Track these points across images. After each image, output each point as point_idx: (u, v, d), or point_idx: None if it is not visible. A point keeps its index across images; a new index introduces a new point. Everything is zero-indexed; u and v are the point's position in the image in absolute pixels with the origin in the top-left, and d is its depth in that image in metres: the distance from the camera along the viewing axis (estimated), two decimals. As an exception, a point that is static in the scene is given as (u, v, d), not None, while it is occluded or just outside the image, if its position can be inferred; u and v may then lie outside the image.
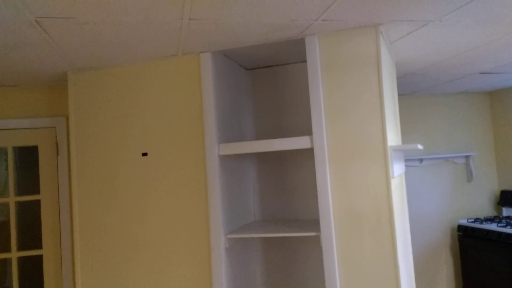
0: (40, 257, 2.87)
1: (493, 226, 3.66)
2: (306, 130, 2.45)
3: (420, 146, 2.01)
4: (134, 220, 2.12)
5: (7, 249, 2.86)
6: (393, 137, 2.13)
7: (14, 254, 2.80)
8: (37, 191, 2.88)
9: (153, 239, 2.09)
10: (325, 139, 1.91)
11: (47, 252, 2.84)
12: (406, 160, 4.24)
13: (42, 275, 2.83)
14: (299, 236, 2.35)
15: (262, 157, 2.47)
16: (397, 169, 2.07)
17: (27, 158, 3.19)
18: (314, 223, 2.15)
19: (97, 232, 2.18)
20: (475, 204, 4.30)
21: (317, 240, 2.33)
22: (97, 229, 2.19)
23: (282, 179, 2.42)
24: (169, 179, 2.10)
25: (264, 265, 2.41)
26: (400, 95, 4.26)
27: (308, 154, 2.44)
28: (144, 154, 2.18)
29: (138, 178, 2.15)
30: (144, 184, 2.14)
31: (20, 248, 2.85)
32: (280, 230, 2.00)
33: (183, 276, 2.02)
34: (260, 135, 2.51)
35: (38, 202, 2.89)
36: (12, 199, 2.82)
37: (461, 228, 4.00)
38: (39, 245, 2.86)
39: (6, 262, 2.89)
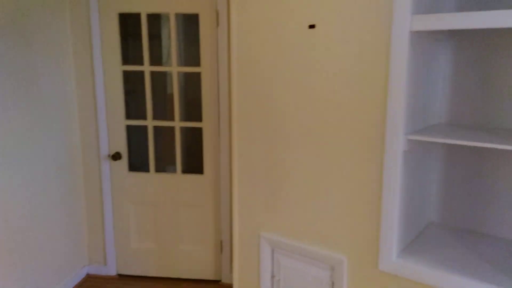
0: (200, 130, 2.91)
1: None
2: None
3: None
4: (296, 103, 1.83)
5: (172, 118, 2.95)
6: None
7: (177, 124, 2.89)
8: (198, 63, 2.80)
9: (318, 127, 1.79)
10: None
11: (206, 125, 2.85)
12: None
13: (202, 145, 2.89)
14: (499, 150, 1.79)
15: (462, 41, 1.84)
16: None
17: (189, 28, 3.09)
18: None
19: (254, 109, 1.98)
20: None
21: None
22: (255, 107, 1.98)
23: (488, 72, 1.79)
24: (340, 57, 1.70)
25: (444, 178, 1.95)
26: None
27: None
28: (311, 26, 1.78)
29: (302, 55, 1.79)
30: (309, 63, 1.78)
31: (183, 118, 2.91)
32: (477, 138, 1.48)
33: (350, 174, 1.73)
34: (466, 5, 1.83)
35: (198, 75, 2.83)
36: (175, 69, 2.81)
37: None
38: (199, 118, 2.88)
39: (170, 130, 3.03)
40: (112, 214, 3.03)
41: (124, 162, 2.96)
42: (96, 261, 3.13)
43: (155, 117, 2.97)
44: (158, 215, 3.02)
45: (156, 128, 2.97)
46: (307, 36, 1.79)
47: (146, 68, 2.82)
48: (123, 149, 2.94)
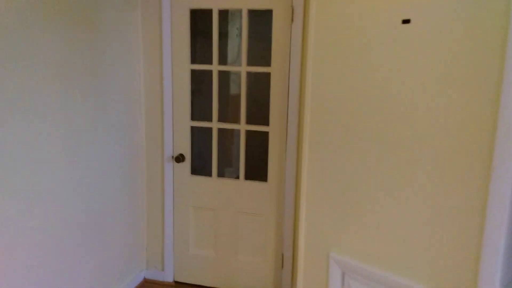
0: (265, 134, 2.72)
1: None
2: None
3: None
4: (383, 109, 1.58)
5: (238, 121, 2.79)
6: None
7: (242, 127, 2.72)
8: (267, 63, 2.62)
9: (407, 138, 1.52)
10: None
11: (273, 129, 2.66)
12: None
13: (267, 151, 2.70)
14: None
15: None
16: None
17: (259, 25, 2.93)
18: None
19: (330, 115, 1.75)
20: None
21: None
22: (331, 112, 1.74)
23: None
24: (436, 55, 1.42)
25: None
26: None
27: None
28: (405, 22, 1.52)
29: (392, 54, 1.54)
30: (400, 63, 1.52)
31: (249, 121, 2.74)
32: None
33: (442, 194, 1.44)
34: None
35: (267, 76, 2.65)
36: (244, 69, 2.66)
37: None
38: (265, 122, 2.69)
39: (234, 133, 2.87)
40: (172, 218, 2.93)
41: (187, 164, 2.85)
42: (154, 266, 3.05)
43: (220, 119, 2.83)
44: (218, 221, 2.87)
45: (219, 131, 2.83)
46: (399, 32, 1.53)
47: (215, 67, 2.70)
48: (186, 151, 2.84)
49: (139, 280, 3.00)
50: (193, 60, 2.78)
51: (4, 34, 1.78)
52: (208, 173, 2.83)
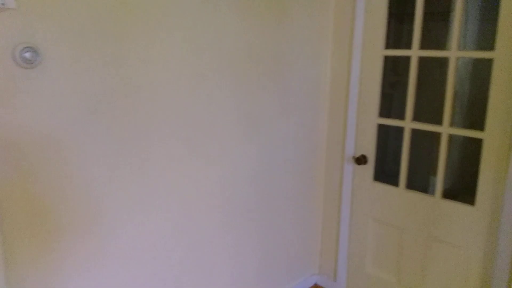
0: (478, 142, 2.04)
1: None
2: None
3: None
4: None
5: (439, 122, 2.19)
6: None
7: (445, 129, 2.11)
8: (489, 46, 1.92)
9: None
10: None
11: (490, 136, 1.96)
12: None
13: (478, 164, 2.03)
14: None
15: None
16: None
17: (482, 5, 2.19)
18: None
19: None
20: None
21: None
22: None
23: None
24: None
25: None
26: None
27: None
28: None
29: None
30: None
31: (455, 123, 2.10)
32: None
33: None
34: None
35: (488, 63, 1.95)
36: (453, 53, 2.03)
37: None
38: (479, 125, 2.00)
39: (432, 136, 2.26)
40: (348, 227, 2.57)
41: (369, 168, 2.42)
42: (326, 273, 2.77)
43: (416, 117, 2.28)
44: (403, 243, 2.36)
45: (413, 132, 2.28)
46: None
47: (414, 52, 2.15)
48: (370, 152, 2.40)
49: (309, 284, 2.78)
50: (388, 45, 2.29)
51: (191, 11, 1.72)
52: (394, 182, 2.34)
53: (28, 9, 1.34)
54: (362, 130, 2.41)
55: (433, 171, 2.24)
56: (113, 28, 1.54)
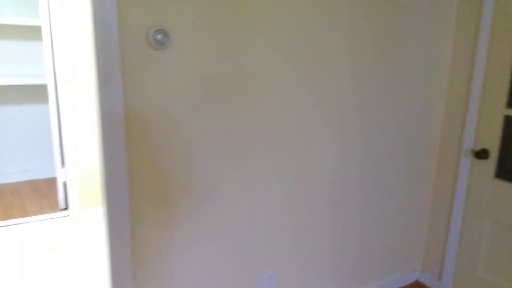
0: None
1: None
2: None
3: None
4: None
5: None
6: None
7: None
8: None
9: None
10: None
11: None
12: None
13: None
14: None
15: None
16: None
17: None
18: None
19: None
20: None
21: None
22: None
23: None
24: None
25: None
26: None
27: None
28: None
29: None
30: None
31: None
32: None
33: None
34: None
35: None
36: None
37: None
38: None
39: None
40: (460, 225, 2.38)
41: (491, 163, 2.20)
42: (430, 271, 2.61)
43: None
44: (525, 248, 2.12)
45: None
46: None
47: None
48: (493, 146, 2.18)
49: (410, 280, 2.65)
50: (525, 26, 2.02)
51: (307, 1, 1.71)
52: (521, 181, 2.10)
53: (162, -6, 1.43)
54: (485, 121, 2.19)
55: None
56: (235, 15, 1.58)
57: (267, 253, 1.96)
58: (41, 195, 3.68)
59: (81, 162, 3.20)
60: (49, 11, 2.97)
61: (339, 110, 1.98)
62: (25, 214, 3.28)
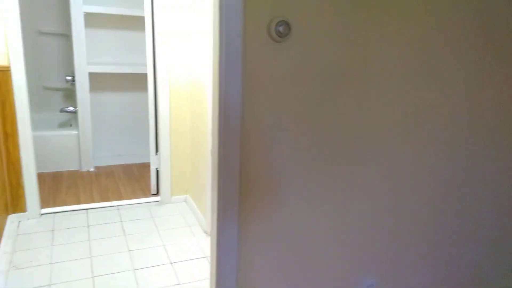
0: None
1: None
2: None
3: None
4: None
5: None
6: None
7: None
8: None
9: None
10: None
11: None
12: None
13: None
14: None
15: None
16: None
17: None
18: None
19: None
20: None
21: None
22: None
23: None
24: None
25: None
26: None
27: None
28: None
29: None
30: None
31: None
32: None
33: None
34: None
35: None
36: None
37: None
38: None
39: None
40: None
41: None
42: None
43: None
44: None
45: None
46: None
47: None
48: None
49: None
50: None
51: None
52: None
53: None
54: None
55: None
56: (357, 8, 1.48)
57: (368, 261, 1.85)
58: (133, 180, 3.86)
59: (173, 151, 3.29)
60: (152, 2, 3.07)
61: (458, 116, 1.80)
62: (119, 197, 3.45)
